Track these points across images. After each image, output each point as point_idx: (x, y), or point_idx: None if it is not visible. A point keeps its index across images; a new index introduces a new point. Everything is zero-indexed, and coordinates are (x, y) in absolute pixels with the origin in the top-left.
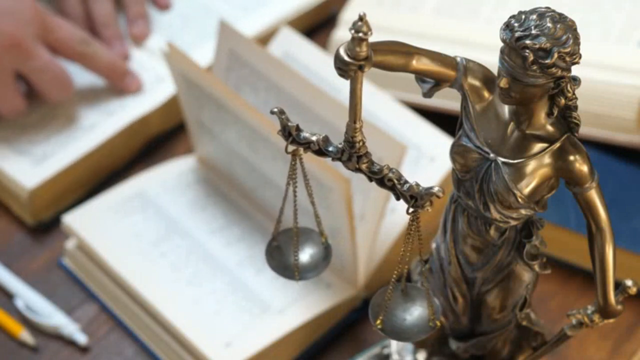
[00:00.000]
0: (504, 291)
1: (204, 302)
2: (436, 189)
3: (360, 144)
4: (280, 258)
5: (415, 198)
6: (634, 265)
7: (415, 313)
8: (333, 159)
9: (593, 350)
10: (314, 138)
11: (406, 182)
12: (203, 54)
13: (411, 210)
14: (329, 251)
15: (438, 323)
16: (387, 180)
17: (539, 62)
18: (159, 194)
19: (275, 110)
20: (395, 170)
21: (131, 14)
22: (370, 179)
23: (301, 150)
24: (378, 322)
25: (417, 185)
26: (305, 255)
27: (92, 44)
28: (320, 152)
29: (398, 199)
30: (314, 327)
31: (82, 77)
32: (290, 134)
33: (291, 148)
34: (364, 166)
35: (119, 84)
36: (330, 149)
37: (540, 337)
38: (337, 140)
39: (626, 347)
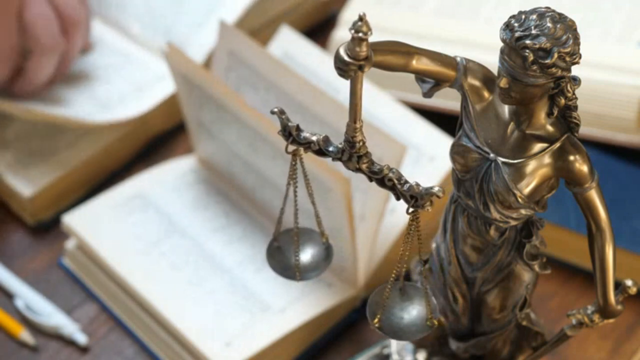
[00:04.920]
0: (504, 291)
1: (204, 302)
2: (436, 189)
3: (361, 144)
4: (281, 258)
5: (416, 198)
6: (634, 265)
7: (413, 312)
8: (333, 159)
9: (593, 350)
10: (314, 138)
11: (406, 182)
12: (200, 42)
13: (411, 210)
14: (329, 251)
15: (436, 322)
16: (387, 180)
17: (539, 62)
18: (159, 194)
19: (276, 110)
20: (396, 170)
21: None
22: (371, 179)
23: (301, 150)
24: (376, 320)
25: (417, 185)
26: (306, 255)
27: None
28: (321, 152)
29: (398, 199)
30: (314, 327)
31: (82, 75)
32: (290, 134)
33: (291, 148)
34: (364, 166)
35: None
36: (331, 149)
37: (540, 337)
38: (337, 140)
39: (626, 347)
